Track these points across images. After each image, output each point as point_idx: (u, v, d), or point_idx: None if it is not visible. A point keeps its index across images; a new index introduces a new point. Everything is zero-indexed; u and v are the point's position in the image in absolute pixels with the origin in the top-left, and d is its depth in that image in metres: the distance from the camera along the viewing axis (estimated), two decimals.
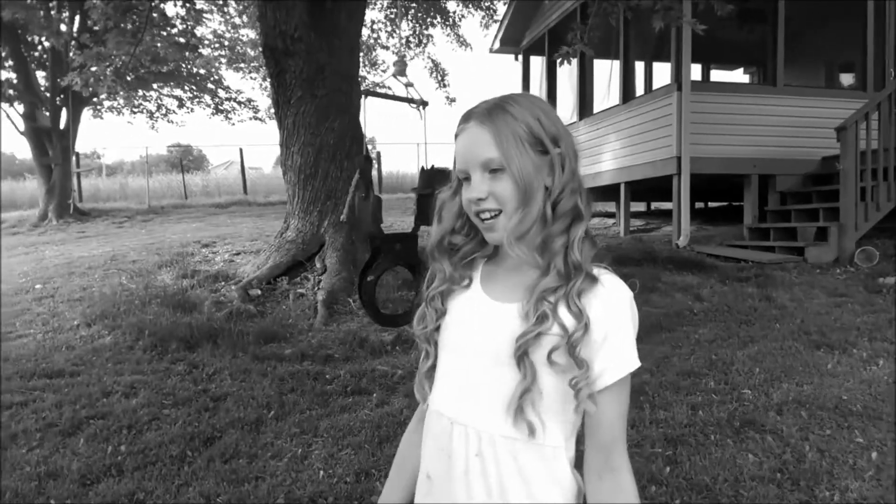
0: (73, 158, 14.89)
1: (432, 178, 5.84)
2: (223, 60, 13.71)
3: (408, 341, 4.91)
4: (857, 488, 2.64)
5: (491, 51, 12.55)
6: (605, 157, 9.58)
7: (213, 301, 6.18)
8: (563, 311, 0.99)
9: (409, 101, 5.66)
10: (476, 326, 1.06)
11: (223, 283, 6.93)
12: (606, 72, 10.17)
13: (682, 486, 2.72)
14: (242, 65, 14.12)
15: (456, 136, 1.09)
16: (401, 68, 6.23)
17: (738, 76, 13.70)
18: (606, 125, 9.66)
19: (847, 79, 11.03)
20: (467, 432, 1.03)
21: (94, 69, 7.08)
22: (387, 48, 13.28)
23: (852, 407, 3.33)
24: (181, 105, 17.03)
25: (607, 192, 10.21)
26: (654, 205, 13.42)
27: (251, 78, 14.88)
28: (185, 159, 33.08)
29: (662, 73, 10.77)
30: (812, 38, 9.74)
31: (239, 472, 3.07)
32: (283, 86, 6.80)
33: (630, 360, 1.00)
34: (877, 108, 6.87)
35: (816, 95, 8.55)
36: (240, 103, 17.04)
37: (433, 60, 13.11)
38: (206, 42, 13.34)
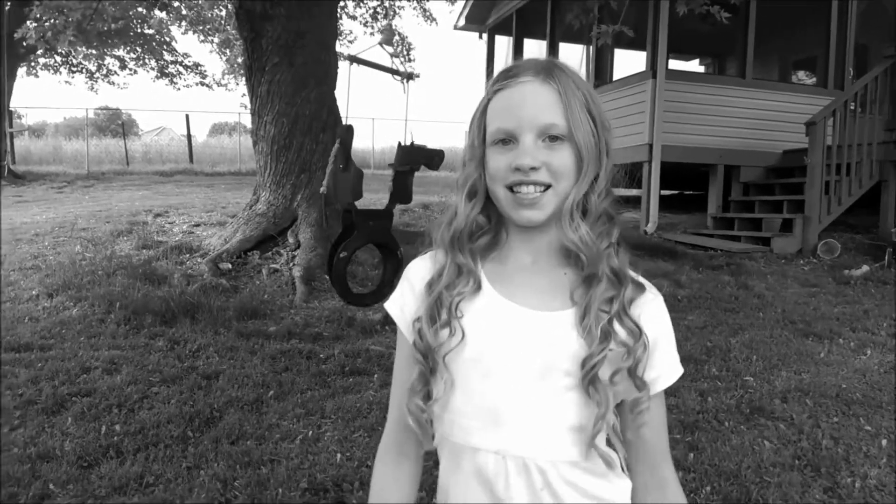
0: (7, 118, 13.96)
1: (410, 155, 5.69)
2: (183, 23, 13.02)
3: None
4: (875, 475, 2.73)
5: (455, 27, 12.39)
6: None
7: (182, 274, 5.91)
8: (616, 325, 0.90)
9: (395, 72, 5.50)
10: (512, 339, 0.91)
11: (188, 255, 6.64)
12: (575, 56, 10.20)
13: (710, 473, 2.75)
14: (199, 27, 13.47)
15: (496, 90, 0.94)
16: (388, 37, 6.05)
17: (694, 66, 14.00)
18: None
19: (803, 75, 11.41)
20: (526, 465, 0.90)
21: (54, 22, 6.59)
22: (353, 18, 12.93)
23: (853, 395, 3.45)
24: (123, 66, 16.16)
25: None
26: None
27: (206, 41, 14.22)
28: (114, 123, 31.40)
29: (626, 60, 10.91)
30: (777, 34, 10.01)
31: (251, 454, 2.94)
32: (259, 51, 6.51)
33: (678, 366, 0.96)
34: (843, 105, 7.12)
35: (782, 90, 8.81)
36: (186, 67, 16.30)
37: (399, 34, 12.88)
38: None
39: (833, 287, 5.65)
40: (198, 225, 8.14)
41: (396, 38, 12.54)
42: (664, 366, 0.95)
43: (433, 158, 5.28)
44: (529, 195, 0.91)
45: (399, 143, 5.73)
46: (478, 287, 0.95)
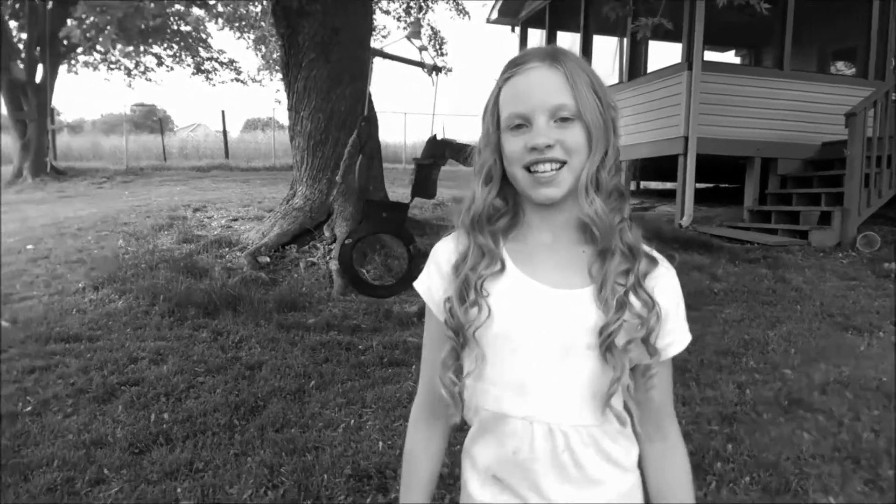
0: (50, 115, 14.35)
1: (435, 148, 5.68)
2: (219, 20, 13.22)
3: None
4: None
5: (488, 21, 12.38)
6: None
7: (222, 267, 6.05)
8: (632, 297, 0.96)
9: (422, 65, 5.52)
10: (536, 317, 0.98)
11: (227, 249, 6.78)
12: (609, 48, 10.13)
13: (749, 463, 2.76)
14: (235, 23, 13.67)
15: (506, 79, 1.00)
16: (415, 30, 6.05)
17: (729, 58, 13.79)
18: None
19: (842, 66, 11.17)
20: (550, 429, 0.98)
21: (96, 21, 6.75)
22: (387, 13, 13.02)
23: (893, 388, 3.42)
24: (160, 63, 16.48)
25: None
26: (642, 184, 13.52)
27: (242, 38, 14.41)
28: (150, 120, 32.02)
29: (661, 52, 10.80)
30: (816, 24, 9.81)
31: (296, 441, 3.02)
32: (295, 47, 6.60)
33: (687, 334, 1.04)
34: (884, 96, 6.98)
35: (820, 81, 8.66)
36: (222, 64, 16.56)
37: (432, 28, 12.92)
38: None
39: (872, 280, 5.57)
40: (235, 219, 8.30)
41: (429, 32, 12.59)
42: (675, 334, 1.02)
43: (465, 153, 5.20)
44: (546, 173, 0.96)
45: (430, 137, 5.74)
46: (502, 267, 1.01)
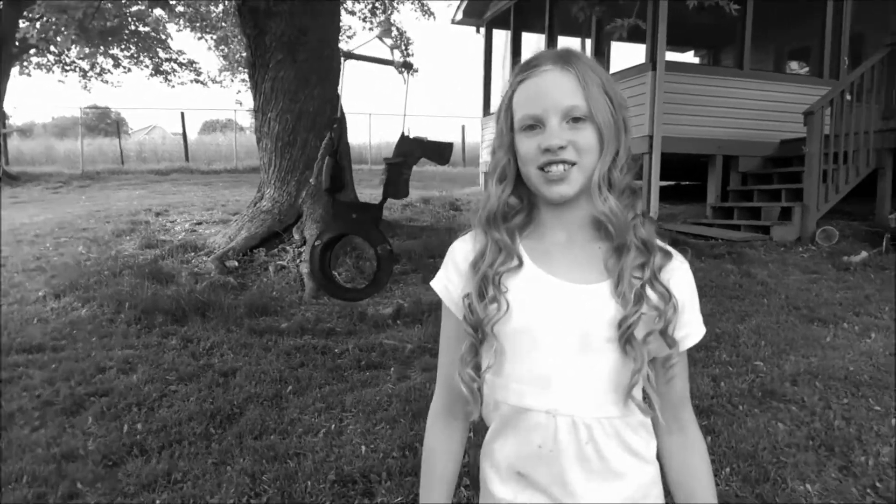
0: (2, 119, 13.88)
1: (405, 146, 5.62)
2: (180, 20, 12.93)
3: (409, 315, 4.86)
4: (888, 453, 2.80)
5: (453, 21, 12.38)
6: None
7: (189, 272, 5.94)
8: (648, 290, 0.98)
9: (390, 62, 5.49)
10: (555, 311, 0.99)
11: (193, 253, 6.66)
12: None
13: (728, 455, 2.81)
14: (196, 23, 13.38)
15: (519, 81, 1.02)
16: (386, 28, 6.03)
17: (688, 58, 14.06)
18: None
19: (796, 65, 11.47)
20: (574, 422, 0.99)
21: (55, 21, 6.55)
22: (352, 13, 12.91)
23: (860, 377, 3.52)
24: (117, 65, 16.08)
25: None
26: None
27: (202, 38, 14.13)
28: (103, 122, 31.28)
29: (623, 52, 10.92)
30: (773, 25, 10.06)
31: (276, 448, 2.98)
32: (262, 48, 6.52)
33: (702, 326, 1.06)
34: (840, 95, 7.19)
35: (779, 80, 8.88)
36: (181, 65, 16.24)
37: (398, 28, 12.86)
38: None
39: (833, 273, 5.73)
40: (199, 223, 8.15)
41: (395, 32, 12.54)
42: (691, 326, 1.04)
43: (439, 151, 5.16)
44: (558, 172, 0.98)
45: (401, 135, 5.67)
46: (520, 263, 1.02)
